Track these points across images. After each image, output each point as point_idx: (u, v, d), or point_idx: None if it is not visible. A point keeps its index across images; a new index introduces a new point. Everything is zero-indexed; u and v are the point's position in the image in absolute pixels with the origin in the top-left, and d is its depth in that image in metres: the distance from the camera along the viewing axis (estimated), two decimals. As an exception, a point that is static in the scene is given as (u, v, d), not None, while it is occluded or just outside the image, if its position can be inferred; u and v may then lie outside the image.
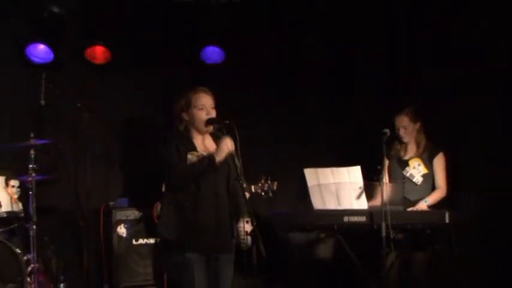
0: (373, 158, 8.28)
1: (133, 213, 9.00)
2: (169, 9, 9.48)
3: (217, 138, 6.71)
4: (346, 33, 9.86)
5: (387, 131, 8.08)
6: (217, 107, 6.78)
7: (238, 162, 6.58)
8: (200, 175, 6.55)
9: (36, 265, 7.88)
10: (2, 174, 7.96)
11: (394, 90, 9.41)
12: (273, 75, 9.87)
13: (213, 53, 9.50)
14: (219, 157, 6.48)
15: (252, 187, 7.40)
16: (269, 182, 7.41)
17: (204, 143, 6.77)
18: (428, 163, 8.39)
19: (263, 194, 7.41)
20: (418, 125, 8.41)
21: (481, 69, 8.83)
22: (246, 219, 7.56)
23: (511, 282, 8.32)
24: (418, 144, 8.48)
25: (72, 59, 9.24)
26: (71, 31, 9.20)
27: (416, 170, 8.41)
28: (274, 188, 7.43)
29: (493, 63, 8.72)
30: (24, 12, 9.07)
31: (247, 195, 7.15)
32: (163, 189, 6.93)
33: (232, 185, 6.81)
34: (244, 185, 7.01)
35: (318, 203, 8.32)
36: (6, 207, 7.84)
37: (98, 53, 9.23)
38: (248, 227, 7.51)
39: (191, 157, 6.61)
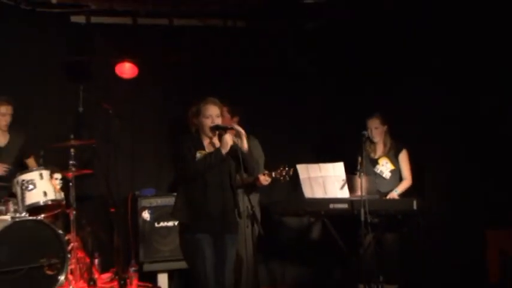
0: (354, 155, 8.25)
1: (155, 201, 8.92)
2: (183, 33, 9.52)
3: (219, 137, 6.72)
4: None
5: (365, 133, 8.22)
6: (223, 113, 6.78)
7: (241, 151, 6.60)
8: (209, 167, 6.56)
9: (75, 244, 7.91)
10: (47, 169, 7.86)
11: (368, 97, 9.32)
12: (273, 83, 9.78)
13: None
14: (225, 149, 6.54)
15: (273, 173, 7.43)
16: (286, 168, 7.41)
17: (211, 144, 6.77)
18: (395, 159, 8.41)
19: (281, 178, 7.41)
20: (386, 127, 8.41)
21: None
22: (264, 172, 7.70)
23: (466, 256, 8.20)
24: (385, 144, 8.48)
25: (104, 73, 9.18)
26: (102, 50, 9.18)
27: (384, 167, 8.43)
28: (291, 173, 7.42)
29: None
30: (63, 33, 9.12)
31: (268, 180, 7.47)
32: (177, 181, 7.00)
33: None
34: (265, 172, 7.55)
35: (308, 193, 8.42)
36: (51, 196, 7.74)
37: (127, 68, 9.10)
38: (264, 179, 7.61)
39: (199, 155, 6.63)
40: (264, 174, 7.69)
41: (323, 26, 9.59)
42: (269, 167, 7.74)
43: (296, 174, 8.42)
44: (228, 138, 6.58)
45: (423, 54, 8.99)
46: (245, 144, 6.66)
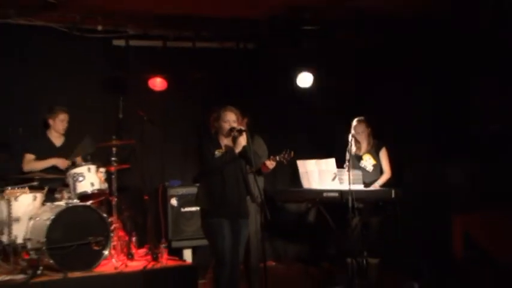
0: (342, 152, 8.34)
1: (181, 190, 9.00)
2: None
3: (234, 138, 6.71)
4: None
5: (353, 134, 8.31)
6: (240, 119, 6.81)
7: (249, 151, 6.65)
8: (225, 164, 6.62)
9: (116, 225, 7.99)
10: (94, 164, 7.89)
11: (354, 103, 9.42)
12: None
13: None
14: (237, 149, 6.61)
15: (277, 157, 7.37)
16: (287, 153, 7.34)
17: (227, 144, 6.79)
18: (376, 156, 8.42)
19: (284, 161, 7.34)
20: (369, 130, 8.44)
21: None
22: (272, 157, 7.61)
23: (435, 236, 8.37)
24: (368, 143, 8.48)
25: (139, 87, 9.17)
26: (138, 67, 9.15)
27: (368, 162, 8.45)
28: (292, 155, 7.33)
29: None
30: (106, 54, 9.15)
31: (273, 163, 7.42)
32: (199, 174, 6.98)
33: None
34: (271, 157, 7.48)
35: (305, 184, 8.52)
36: (97, 186, 7.83)
37: (158, 82, 9.13)
38: (269, 163, 7.56)
39: (218, 153, 6.68)
40: (269, 159, 7.60)
41: (319, 46, 9.38)
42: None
43: (296, 168, 8.52)
44: (242, 140, 6.62)
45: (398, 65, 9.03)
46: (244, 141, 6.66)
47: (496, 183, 7.90)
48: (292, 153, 7.21)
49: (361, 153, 8.53)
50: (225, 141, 6.83)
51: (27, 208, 7.63)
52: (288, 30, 8.61)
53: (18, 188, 7.62)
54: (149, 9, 8.62)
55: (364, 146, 8.53)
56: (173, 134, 9.53)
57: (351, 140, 8.30)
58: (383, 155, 8.46)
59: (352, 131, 8.42)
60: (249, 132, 6.73)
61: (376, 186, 8.34)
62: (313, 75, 9.47)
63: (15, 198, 7.54)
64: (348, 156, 8.25)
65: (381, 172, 8.47)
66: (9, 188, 7.52)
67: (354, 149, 8.47)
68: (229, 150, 6.71)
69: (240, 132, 6.68)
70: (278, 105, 9.83)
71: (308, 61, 9.43)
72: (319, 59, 9.50)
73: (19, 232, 7.48)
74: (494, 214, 7.70)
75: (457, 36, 8.35)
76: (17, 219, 7.51)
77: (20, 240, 7.47)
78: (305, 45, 8.79)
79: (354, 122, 8.48)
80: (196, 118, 9.23)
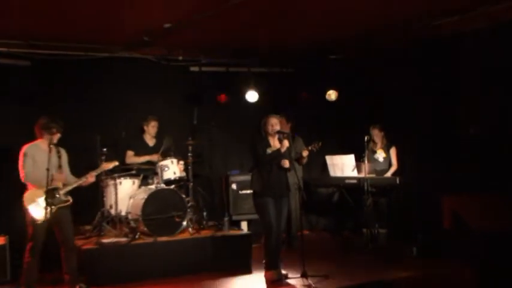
0: (360, 149, 8.34)
1: (239, 178, 8.99)
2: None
3: (280, 140, 6.73)
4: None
5: (371, 136, 8.37)
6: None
7: (292, 151, 6.79)
8: (273, 159, 6.67)
9: (192, 203, 7.99)
10: (176, 158, 7.89)
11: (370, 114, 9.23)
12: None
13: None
14: (282, 149, 6.65)
15: (309, 147, 7.26)
16: (316, 143, 7.23)
17: (274, 143, 6.78)
18: (387, 151, 8.45)
19: (314, 149, 7.18)
20: (383, 133, 8.46)
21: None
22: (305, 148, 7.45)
23: (429, 213, 7.96)
24: (382, 142, 8.49)
25: (209, 101, 9.19)
26: (208, 86, 9.23)
27: (380, 155, 8.50)
28: (319, 145, 7.17)
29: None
30: (185, 77, 9.18)
31: (307, 152, 7.25)
32: (253, 165, 7.01)
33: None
34: (304, 147, 7.33)
35: (332, 173, 8.64)
36: (178, 174, 7.84)
37: (223, 97, 9.19)
38: (304, 152, 7.41)
39: (268, 150, 6.71)
40: (304, 150, 7.46)
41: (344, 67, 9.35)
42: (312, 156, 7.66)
43: (325, 161, 8.59)
44: (286, 142, 6.65)
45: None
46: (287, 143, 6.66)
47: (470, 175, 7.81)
48: (320, 143, 7.01)
49: (376, 149, 8.51)
50: (272, 141, 6.82)
51: (128, 190, 7.79)
52: (319, 59, 8.52)
53: (122, 176, 7.82)
54: (216, 45, 8.67)
55: (378, 144, 8.53)
56: (233, 135, 9.52)
57: (368, 140, 8.31)
58: (393, 152, 8.46)
59: (371, 133, 8.43)
60: (292, 134, 6.76)
61: (387, 175, 8.31)
62: (337, 91, 9.36)
63: (120, 183, 7.73)
64: (366, 152, 8.29)
65: (390, 164, 8.42)
66: (116, 175, 7.70)
67: (370, 146, 8.45)
68: (277, 149, 6.69)
69: (285, 136, 6.69)
70: (313, 113, 9.70)
71: (334, 81, 9.42)
72: (342, 79, 9.41)
73: (123, 207, 7.65)
74: (472, 196, 7.57)
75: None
76: (121, 198, 7.66)
77: (123, 213, 7.65)
78: (332, 70, 8.69)
79: (372, 127, 8.49)
80: (251, 123, 8.66)
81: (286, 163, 6.75)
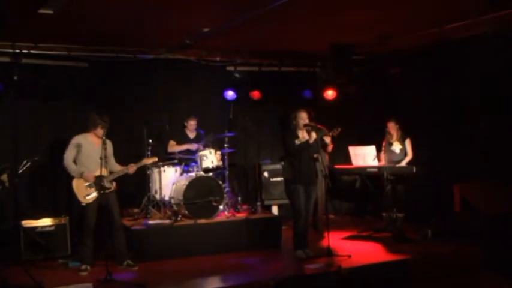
0: (379, 141, 8.34)
1: (271, 166, 9.02)
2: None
3: (308, 132, 6.73)
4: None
5: (388, 129, 8.27)
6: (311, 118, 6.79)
7: (319, 143, 6.67)
8: (302, 149, 6.68)
9: (228, 189, 8.03)
10: (214, 148, 7.84)
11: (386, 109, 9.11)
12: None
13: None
14: (311, 141, 6.65)
15: (330, 132, 6.83)
16: (337, 129, 6.73)
17: (302, 135, 6.79)
18: (402, 143, 8.32)
19: (335, 135, 6.75)
20: (398, 126, 8.35)
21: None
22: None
23: (442, 197, 8.23)
24: (397, 134, 8.36)
25: (243, 97, 9.18)
26: (242, 84, 9.14)
27: (396, 147, 8.35)
28: (340, 130, 6.69)
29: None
30: (222, 76, 9.18)
31: (329, 137, 6.84)
32: (284, 155, 7.03)
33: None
34: (327, 133, 6.91)
35: (354, 162, 8.45)
36: (215, 163, 7.81)
37: (256, 94, 9.20)
38: (327, 138, 6.86)
39: (296, 141, 6.73)
40: (326, 136, 6.95)
41: (366, 69, 9.25)
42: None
43: (348, 152, 8.42)
44: (314, 135, 6.64)
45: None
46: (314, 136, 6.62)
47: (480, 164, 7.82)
48: (340, 129, 6.78)
49: (392, 141, 8.41)
50: (301, 133, 6.84)
51: (171, 177, 7.88)
52: (342, 60, 8.43)
53: (166, 165, 7.91)
54: (250, 47, 8.79)
55: (394, 136, 8.41)
56: (265, 128, 9.56)
57: (386, 132, 8.31)
58: (408, 143, 8.35)
59: (388, 127, 8.35)
60: (317, 127, 6.70)
61: (402, 164, 8.26)
62: (358, 89, 9.23)
63: (164, 171, 7.84)
64: (384, 144, 8.30)
65: (405, 155, 8.35)
66: (161, 164, 7.77)
67: (387, 138, 8.38)
68: (306, 141, 6.70)
69: (314, 129, 6.70)
70: (340, 109, 9.51)
71: (354, 79, 9.13)
72: (361, 79, 9.22)
73: (166, 192, 7.73)
74: (480, 183, 7.61)
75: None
76: (165, 184, 7.76)
77: (167, 198, 7.72)
78: (354, 70, 8.61)
79: (388, 120, 8.38)
80: (280, 118, 9.16)
81: (327, 138, 6.78)
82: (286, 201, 7.32)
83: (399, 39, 7.87)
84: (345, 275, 5.75)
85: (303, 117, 6.78)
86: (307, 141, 6.69)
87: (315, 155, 6.72)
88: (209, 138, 8.10)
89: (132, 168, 6.57)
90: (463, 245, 7.00)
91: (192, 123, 8.29)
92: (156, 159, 7.01)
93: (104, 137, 6.33)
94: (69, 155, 6.42)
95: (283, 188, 7.02)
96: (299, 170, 6.69)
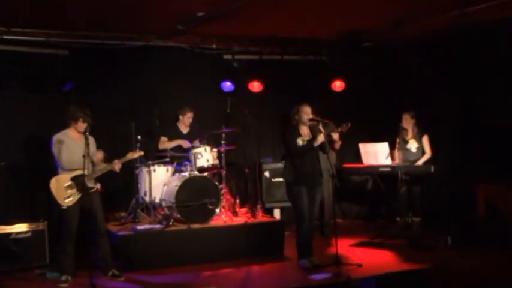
0: (393, 137, 8.23)
1: (272, 165, 8.97)
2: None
3: (312, 129, 6.70)
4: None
5: (402, 124, 8.15)
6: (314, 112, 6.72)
7: (327, 144, 6.62)
8: (305, 151, 6.61)
9: (225, 190, 7.91)
10: (209, 145, 7.81)
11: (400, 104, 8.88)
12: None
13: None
14: (316, 144, 6.56)
15: (339, 128, 6.71)
16: (347, 124, 6.67)
17: (305, 132, 6.73)
18: (419, 140, 8.15)
19: (344, 131, 6.71)
20: (414, 120, 8.18)
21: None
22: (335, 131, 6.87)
23: (464, 199, 8.13)
24: (413, 130, 8.20)
25: (242, 89, 9.14)
26: (241, 74, 9.10)
27: (412, 145, 8.17)
28: (349, 126, 6.60)
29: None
30: (218, 65, 9.08)
31: (338, 133, 6.76)
32: (285, 154, 6.97)
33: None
34: (334, 129, 6.79)
35: (365, 161, 8.30)
36: (211, 162, 7.73)
37: (256, 85, 9.17)
38: (334, 135, 6.82)
39: (298, 140, 6.64)
40: (334, 132, 6.90)
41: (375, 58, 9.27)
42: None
43: (358, 149, 8.34)
44: (320, 138, 6.55)
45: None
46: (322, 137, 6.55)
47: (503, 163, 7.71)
48: (349, 124, 6.73)
49: (407, 138, 8.26)
50: (303, 129, 6.74)
51: (162, 177, 7.76)
52: (351, 47, 8.48)
53: (156, 164, 7.81)
54: (249, 33, 8.66)
55: (410, 132, 8.25)
56: (266, 123, 9.48)
57: (401, 127, 8.19)
58: (425, 140, 8.18)
59: (402, 121, 8.22)
60: (324, 122, 6.63)
61: (419, 162, 8.09)
62: (369, 80, 9.21)
63: (154, 170, 7.73)
64: (398, 140, 8.20)
65: (423, 153, 8.20)
66: (151, 163, 7.74)
67: (402, 134, 8.27)
68: (310, 142, 6.60)
69: (318, 122, 6.61)
70: (349, 102, 9.49)
71: (364, 69, 9.24)
72: (372, 69, 9.30)
73: (157, 194, 7.64)
74: (507, 184, 7.55)
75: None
76: (156, 185, 7.65)
77: (157, 200, 7.63)
78: (363, 59, 8.65)
79: (403, 115, 8.24)
80: (283, 112, 8.79)
81: (334, 135, 6.72)
82: (289, 204, 7.20)
83: (414, 24, 7.85)
84: (354, 286, 5.74)
85: (307, 112, 6.70)
86: (311, 143, 6.62)
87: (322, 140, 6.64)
88: (204, 134, 8.09)
89: (117, 165, 6.45)
90: (489, 254, 6.97)
91: (189, 116, 8.22)
92: (142, 153, 6.95)
93: (87, 133, 6.23)
94: (65, 155, 6.26)
95: (285, 189, 6.96)
96: (301, 171, 6.65)
